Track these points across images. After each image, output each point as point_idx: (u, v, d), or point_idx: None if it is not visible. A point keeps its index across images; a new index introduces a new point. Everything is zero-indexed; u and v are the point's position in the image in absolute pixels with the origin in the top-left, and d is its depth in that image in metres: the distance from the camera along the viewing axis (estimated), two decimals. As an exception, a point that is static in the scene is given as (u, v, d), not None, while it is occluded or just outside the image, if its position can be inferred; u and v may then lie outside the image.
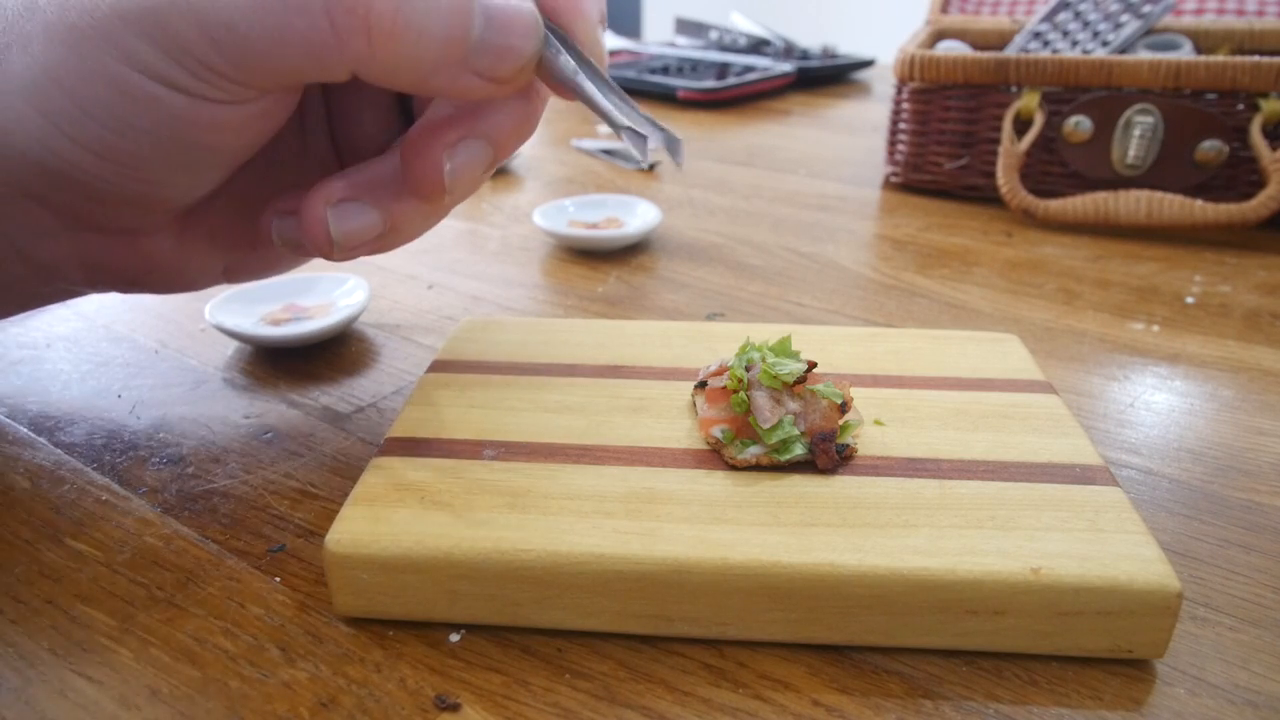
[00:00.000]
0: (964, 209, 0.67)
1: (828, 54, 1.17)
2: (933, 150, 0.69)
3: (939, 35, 0.80)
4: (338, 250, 0.28)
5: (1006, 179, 0.64)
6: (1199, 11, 0.76)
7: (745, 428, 0.29)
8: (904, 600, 0.25)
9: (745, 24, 1.28)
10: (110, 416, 0.38)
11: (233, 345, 0.45)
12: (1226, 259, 0.57)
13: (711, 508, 0.27)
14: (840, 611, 0.25)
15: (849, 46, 1.23)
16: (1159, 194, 0.60)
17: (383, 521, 0.27)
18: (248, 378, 0.42)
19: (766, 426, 0.29)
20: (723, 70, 1.07)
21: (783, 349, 0.31)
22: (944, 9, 0.85)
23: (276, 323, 0.44)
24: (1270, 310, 0.50)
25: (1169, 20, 0.73)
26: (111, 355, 0.43)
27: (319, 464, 0.35)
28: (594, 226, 0.59)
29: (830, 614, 0.26)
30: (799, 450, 0.29)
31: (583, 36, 0.27)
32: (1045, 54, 0.63)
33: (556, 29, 0.27)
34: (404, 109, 0.33)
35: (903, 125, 0.71)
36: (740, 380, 0.30)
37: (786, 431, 0.29)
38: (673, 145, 0.27)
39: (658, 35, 2.23)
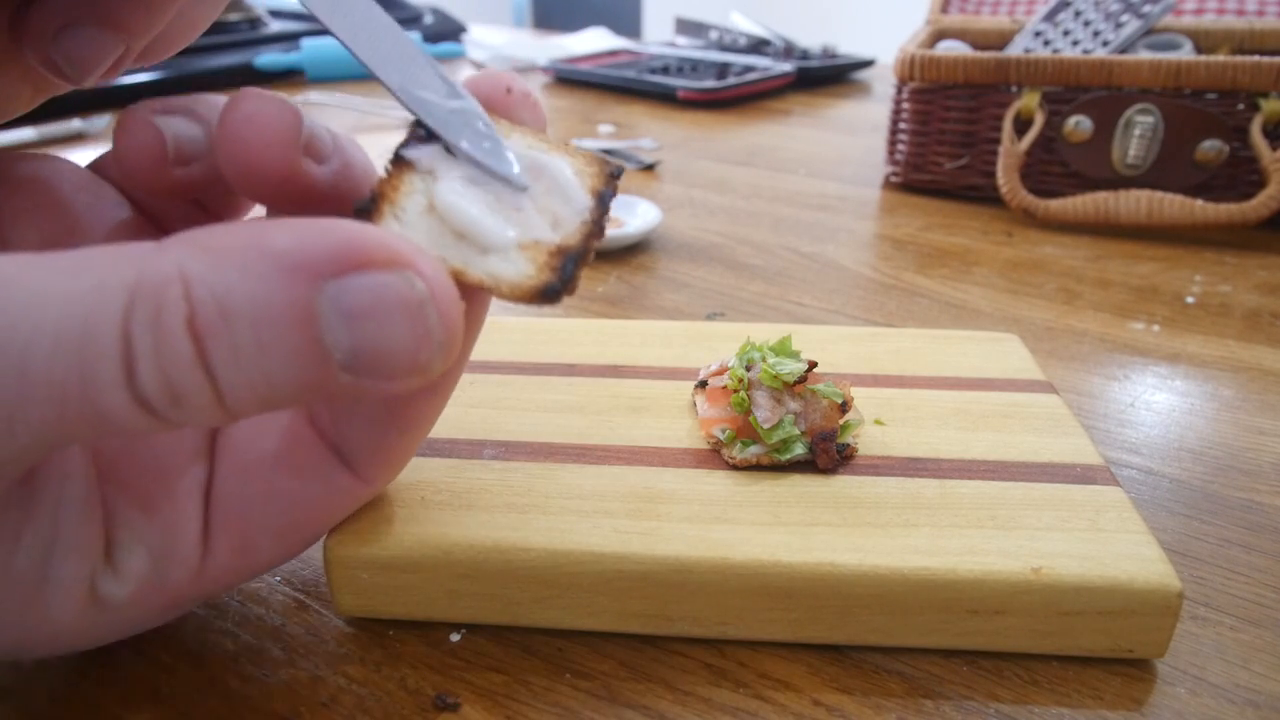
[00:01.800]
0: (964, 209, 0.67)
1: (828, 54, 1.17)
2: (933, 150, 0.69)
3: (939, 35, 0.80)
4: (78, 79, 0.24)
5: (1007, 179, 0.64)
6: (1199, 11, 0.76)
7: (745, 427, 0.29)
8: (904, 600, 0.25)
9: (745, 24, 1.28)
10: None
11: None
12: (1227, 259, 0.57)
13: (712, 507, 0.27)
14: (840, 611, 0.25)
15: (849, 46, 1.22)
16: (1159, 194, 0.60)
17: (383, 520, 0.27)
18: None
19: (767, 426, 0.29)
20: (723, 70, 1.07)
21: (783, 349, 0.31)
22: (944, 9, 0.85)
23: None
24: (1270, 310, 0.50)
25: (1169, 20, 0.73)
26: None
27: (319, 464, 0.35)
28: (594, 226, 0.59)
29: (831, 613, 0.26)
30: (799, 450, 0.29)
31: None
32: (1045, 54, 0.63)
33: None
34: None
35: (903, 125, 0.71)
36: (741, 380, 0.30)
37: (787, 431, 0.29)
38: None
39: (658, 35, 2.23)
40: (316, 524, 0.25)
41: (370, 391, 0.18)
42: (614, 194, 0.22)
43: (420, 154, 0.21)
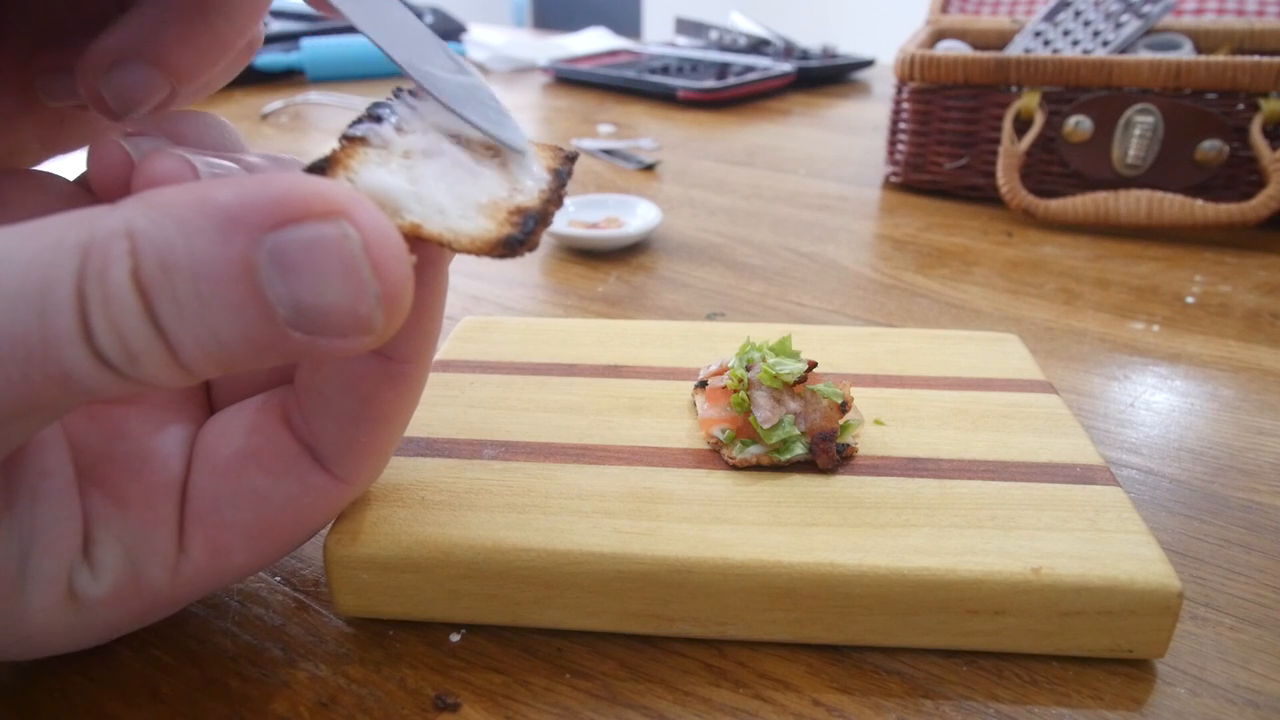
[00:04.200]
0: (964, 209, 0.67)
1: (828, 54, 1.17)
2: (933, 150, 0.69)
3: (939, 35, 0.80)
4: (122, 114, 0.24)
5: (1007, 179, 0.64)
6: (1199, 11, 0.76)
7: (745, 427, 0.29)
8: (904, 600, 0.25)
9: (745, 24, 1.28)
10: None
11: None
12: (1226, 259, 0.57)
13: (712, 507, 0.27)
14: (840, 611, 0.25)
15: (849, 46, 1.23)
16: (1159, 194, 0.60)
17: (383, 521, 0.27)
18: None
19: (767, 426, 0.29)
20: (723, 70, 1.07)
21: (783, 349, 0.31)
22: (944, 9, 0.85)
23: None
24: (1270, 310, 0.50)
25: (1169, 20, 0.73)
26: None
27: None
28: (594, 226, 0.59)
29: (830, 614, 0.26)
30: (799, 450, 0.29)
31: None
32: (1045, 54, 0.63)
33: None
34: None
35: (903, 125, 0.71)
36: (740, 380, 0.30)
37: (787, 431, 0.29)
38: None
39: (658, 35, 2.23)
40: (290, 526, 0.24)
41: (326, 350, 0.17)
42: (569, 173, 0.23)
43: (372, 130, 0.21)
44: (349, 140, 0.21)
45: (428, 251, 0.21)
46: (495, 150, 0.22)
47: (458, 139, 0.22)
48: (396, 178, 0.20)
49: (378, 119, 0.21)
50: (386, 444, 0.25)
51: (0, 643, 0.22)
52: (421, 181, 0.20)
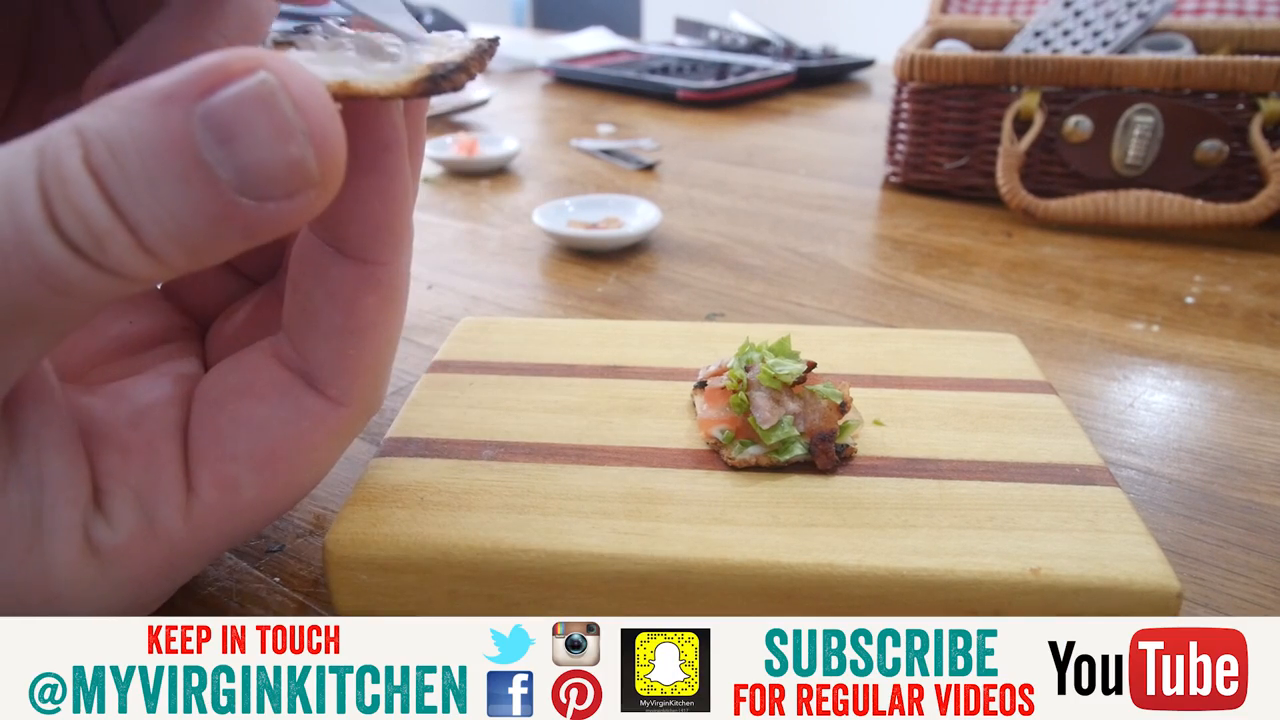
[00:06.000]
0: (964, 209, 0.67)
1: (828, 54, 1.17)
2: (933, 150, 0.69)
3: (939, 35, 0.80)
4: None
5: (1006, 179, 0.64)
6: (1199, 11, 0.76)
7: (745, 428, 0.29)
8: (904, 601, 0.25)
9: (745, 24, 1.28)
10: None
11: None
12: (1226, 259, 0.57)
13: (711, 508, 0.27)
14: (840, 612, 0.25)
15: (849, 46, 1.23)
16: (1159, 194, 0.60)
17: (383, 522, 0.27)
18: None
19: (766, 427, 0.29)
20: (723, 70, 1.07)
21: (782, 349, 0.31)
22: (944, 9, 0.85)
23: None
24: (1270, 310, 0.50)
25: (1169, 20, 0.73)
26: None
27: (319, 464, 0.35)
28: (594, 226, 0.59)
29: (830, 614, 0.26)
30: (798, 450, 0.29)
31: None
32: (1045, 54, 0.63)
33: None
34: None
35: (903, 125, 0.71)
36: (740, 380, 0.30)
37: (786, 431, 0.29)
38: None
39: (658, 35, 2.23)
40: (293, 453, 0.24)
41: (280, 216, 0.18)
42: (490, 47, 0.24)
43: (300, 37, 0.23)
44: (276, 45, 0.22)
45: (374, 124, 0.22)
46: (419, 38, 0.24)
47: (379, 53, 0.23)
48: (321, 66, 0.21)
49: (306, 31, 0.23)
50: (376, 360, 0.25)
51: (28, 601, 0.22)
52: (343, 65, 0.22)
